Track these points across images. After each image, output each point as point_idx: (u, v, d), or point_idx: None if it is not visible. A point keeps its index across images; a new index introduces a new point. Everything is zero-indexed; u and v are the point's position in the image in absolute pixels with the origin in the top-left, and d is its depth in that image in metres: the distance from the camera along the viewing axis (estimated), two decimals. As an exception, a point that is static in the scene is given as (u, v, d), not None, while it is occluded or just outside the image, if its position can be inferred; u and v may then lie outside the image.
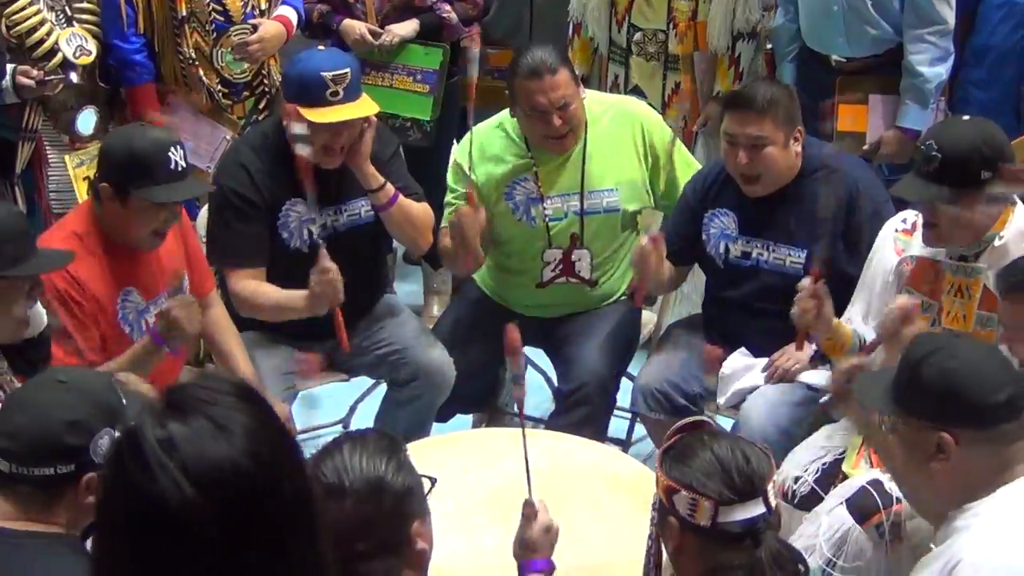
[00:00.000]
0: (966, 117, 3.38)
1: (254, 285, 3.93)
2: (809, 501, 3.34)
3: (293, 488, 1.57)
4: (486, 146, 4.16)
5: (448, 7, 4.96)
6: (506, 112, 4.17)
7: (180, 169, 3.48)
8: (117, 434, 2.25)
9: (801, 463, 3.42)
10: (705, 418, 2.59)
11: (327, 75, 3.78)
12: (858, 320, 3.58)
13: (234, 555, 1.52)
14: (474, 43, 4.04)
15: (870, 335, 3.47)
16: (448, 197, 4.17)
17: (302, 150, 3.70)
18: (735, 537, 2.36)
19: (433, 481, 2.43)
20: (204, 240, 4.10)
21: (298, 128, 3.71)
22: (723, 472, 2.36)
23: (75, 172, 4.38)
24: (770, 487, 2.39)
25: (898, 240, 3.49)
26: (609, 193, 4.14)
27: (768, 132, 3.74)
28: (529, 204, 4.14)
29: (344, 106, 3.81)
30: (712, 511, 2.35)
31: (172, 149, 3.47)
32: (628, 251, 4.24)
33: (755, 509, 2.36)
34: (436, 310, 5.24)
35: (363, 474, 2.28)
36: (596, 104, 4.16)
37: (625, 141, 4.15)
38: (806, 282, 3.49)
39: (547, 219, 4.13)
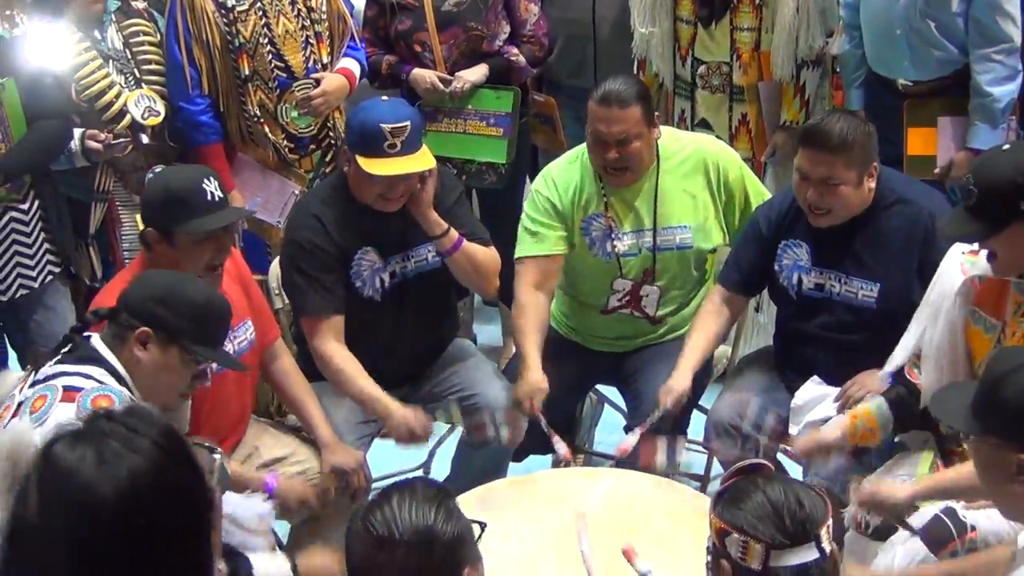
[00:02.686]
0: (1006, 146, 3.27)
1: (340, 354, 3.92)
2: (883, 531, 3.29)
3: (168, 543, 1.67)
4: (563, 180, 4.16)
5: (515, 50, 5.00)
6: (581, 147, 4.18)
7: (217, 199, 3.50)
8: None
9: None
10: (764, 462, 2.55)
11: (386, 127, 3.81)
12: (901, 356, 3.52)
13: None
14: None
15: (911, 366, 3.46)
16: (525, 222, 4.18)
17: None
18: None
19: (483, 526, 2.44)
20: (277, 292, 4.14)
21: None
22: (775, 515, 2.33)
23: (147, 232, 4.45)
24: (824, 531, 2.36)
25: (965, 261, 3.41)
26: (682, 230, 4.13)
27: (840, 173, 3.69)
28: (604, 239, 4.14)
29: (400, 159, 3.83)
30: (763, 555, 2.32)
31: (206, 181, 3.49)
32: (700, 294, 4.24)
33: (807, 555, 2.32)
34: (514, 350, 5.23)
35: (413, 524, 2.31)
36: (672, 141, 4.15)
37: (698, 179, 4.13)
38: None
39: (620, 255, 4.13)
